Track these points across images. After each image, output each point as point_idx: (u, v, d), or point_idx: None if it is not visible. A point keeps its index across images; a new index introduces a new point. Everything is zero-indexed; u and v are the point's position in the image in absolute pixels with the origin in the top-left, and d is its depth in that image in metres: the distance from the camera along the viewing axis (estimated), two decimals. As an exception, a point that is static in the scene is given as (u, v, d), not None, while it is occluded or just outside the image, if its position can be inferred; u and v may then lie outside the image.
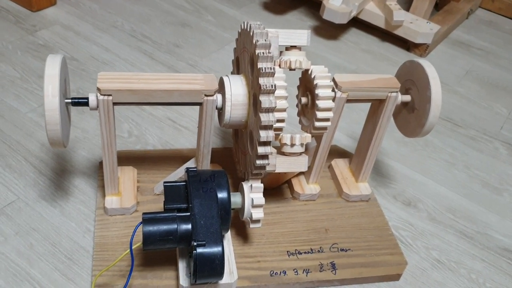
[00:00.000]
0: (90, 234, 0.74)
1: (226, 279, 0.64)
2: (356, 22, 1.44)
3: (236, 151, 0.82)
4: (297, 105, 0.78)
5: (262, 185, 0.68)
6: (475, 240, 0.85)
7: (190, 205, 0.62)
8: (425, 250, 0.81)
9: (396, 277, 0.75)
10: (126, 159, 0.84)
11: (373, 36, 1.43)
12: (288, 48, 0.71)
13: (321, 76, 0.69)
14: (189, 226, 0.61)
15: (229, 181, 0.67)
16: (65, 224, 0.75)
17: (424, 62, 0.74)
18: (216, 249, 0.59)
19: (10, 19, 1.21)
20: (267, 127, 0.62)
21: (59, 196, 0.79)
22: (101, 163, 0.82)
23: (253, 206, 0.67)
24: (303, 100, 0.74)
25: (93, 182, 0.82)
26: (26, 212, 0.76)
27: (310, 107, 0.72)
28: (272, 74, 0.61)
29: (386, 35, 1.42)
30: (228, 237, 0.71)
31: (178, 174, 0.76)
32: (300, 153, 0.71)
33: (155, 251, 0.67)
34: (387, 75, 0.75)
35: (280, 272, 0.71)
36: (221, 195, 0.64)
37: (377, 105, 0.76)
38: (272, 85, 0.60)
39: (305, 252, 0.74)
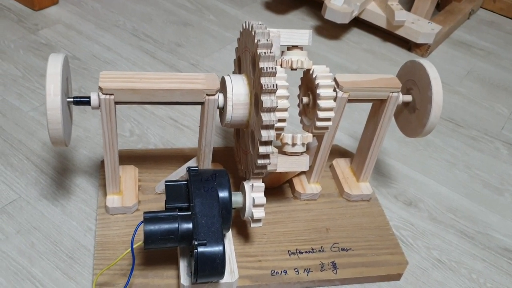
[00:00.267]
0: (91, 233, 0.74)
1: (227, 278, 0.65)
2: (358, 22, 1.44)
3: (238, 151, 0.82)
4: (298, 105, 0.78)
5: (263, 184, 0.68)
6: (476, 240, 0.85)
7: (191, 204, 0.62)
8: (426, 250, 0.81)
9: (397, 276, 0.75)
10: (127, 158, 0.84)
11: (374, 36, 1.43)
12: (289, 48, 0.71)
13: (322, 76, 0.69)
14: (190, 225, 0.61)
15: (230, 180, 0.67)
16: (66, 223, 0.75)
17: (425, 62, 0.74)
18: (217, 248, 0.59)
19: (12, 18, 1.21)
20: (269, 127, 0.62)
21: (60, 194, 0.79)
22: (102, 162, 0.82)
23: (254, 206, 0.67)
24: (305, 99, 0.74)
25: (94, 181, 0.82)
26: (27, 211, 0.76)
27: (312, 107, 0.72)
28: (273, 74, 0.61)
29: (388, 35, 1.42)
30: (229, 236, 0.71)
31: (179, 173, 0.77)
32: (302, 153, 0.71)
33: (156, 250, 0.67)
34: (388, 75, 0.75)
35: (281, 272, 0.71)
36: (222, 194, 0.64)
37: (378, 105, 0.76)
38: (273, 85, 0.60)
39: (306, 252, 0.74)
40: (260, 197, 0.67)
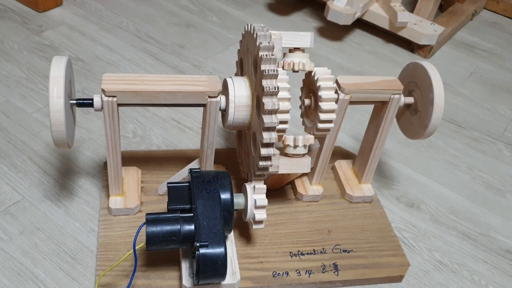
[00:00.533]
0: (94, 234, 0.75)
1: (228, 279, 0.65)
2: (360, 23, 1.44)
3: (240, 152, 0.82)
4: (300, 107, 0.78)
5: (265, 186, 0.68)
6: (478, 242, 0.85)
7: (193, 206, 0.63)
8: (427, 252, 0.81)
9: (398, 278, 0.75)
10: (130, 159, 0.84)
11: (377, 37, 1.43)
12: (291, 50, 0.71)
13: (324, 78, 0.70)
14: (192, 227, 0.61)
15: (232, 182, 0.67)
16: (69, 224, 0.76)
17: (427, 64, 0.74)
18: (219, 250, 0.59)
19: (16, 20, 1.22)
20: (270, 129, 0.62)
21: (63, 196, 0.80)
22: (105, 163, 0.82)
23: (256, 207, 0.67)
24: (306, 101, 0.74)
25: (97, 182, 0.83)
26: (30, 212, 0.77)
27: (313, 109, 0.73)
28: (275, 76, 0.61)
29: (390, 36, 1.42)
30: (231, 237, 0.71)
31: (181, 174, 0.77)
32: (303, 155, 0.72)
33: (158, 252, 0.68)
34: (390, 77, 0.75)
35: (283, 273, 0.71)
36: (224, 196, 0.65)
37: (380, 107, 0.76)
38: (275, 87, 0.61)
39: (307, 253, 0.74)
40: (262, 199, 0.67)
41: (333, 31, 1.41)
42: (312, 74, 0.71)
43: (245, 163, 0.76)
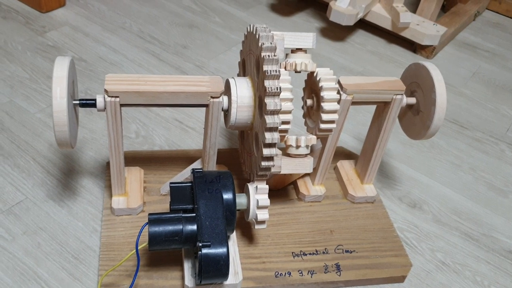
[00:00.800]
0: (97, 234, 0.75)
1: (231, 279, 0.65)
2: (363, 24, 1.44)
3: (242, 152, 0.82)
4: (302, 107, 0.78)
5: (267, 186, 0.68)
6: (480, 242, 0.85)
7: (196, 206, 0.63)
8: (430, 252, 0.81)
9: (400, 279, 0.75)
10: (133, 159, 0.84)
11: (379, 37, 1.43)
12: (293, 51, 0.71)
13: (326, 78, 0.70)
14: (194, 227, 0.61)
15: (235, 182, 0.67)
16: (72, 224, 0.76)
17: (429, 65, 0.74)
18: (221, 250, 0.59)
19: (19, 20, 1.22)
20: (272, 129, 0.62)
21: (66, 196, 0.80)
22: (108, 163, 0.82)
23: (258, 207, 0.67)
24: (309, 102, 0.74)
25: (100, 182, 0.83)
26: (34, 212, 0.77)
27: (316, 109, 0.73)
28: (277, 77, 0.61)
29: (393, 36, 1.42)
30: (233, 238, 0.71)
31: (184, 174, 0.77)
32: (306, 155, 0.72)
33: (161, 251, 0.68)
34: (392, 77, 0.75)
35: (285, 273, 0.71)
36: (227, 196, 0.65)
37: (382, 107, 0.76)
38: (277, 88, 0.61)
39: (310, 254, 0.75)
40: (264, 199, 0.67)
41: (335, 32, 1.41)
42: (314, 74, 0.71)
43: (248, 163, 0.76)
